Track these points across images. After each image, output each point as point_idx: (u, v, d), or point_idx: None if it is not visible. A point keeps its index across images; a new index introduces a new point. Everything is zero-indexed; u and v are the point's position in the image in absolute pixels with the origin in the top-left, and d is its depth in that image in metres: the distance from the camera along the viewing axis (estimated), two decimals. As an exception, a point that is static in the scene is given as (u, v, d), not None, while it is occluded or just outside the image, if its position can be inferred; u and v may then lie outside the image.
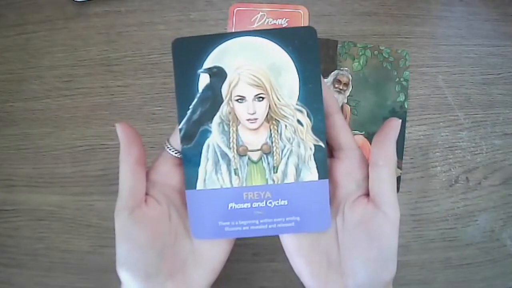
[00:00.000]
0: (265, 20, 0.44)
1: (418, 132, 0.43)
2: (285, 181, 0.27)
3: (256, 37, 0.27)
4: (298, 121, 0.27)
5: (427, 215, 0.42)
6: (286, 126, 0.27)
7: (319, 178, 0.27)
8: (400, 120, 0.28)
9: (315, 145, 0.27)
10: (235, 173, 0.27)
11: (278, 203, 0.27)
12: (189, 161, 0.27)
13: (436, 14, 0.45)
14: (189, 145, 0.27)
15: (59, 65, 0.44)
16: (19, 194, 0.42)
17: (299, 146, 0.27)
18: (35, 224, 0.42)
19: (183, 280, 0.26)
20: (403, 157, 0.42)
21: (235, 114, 0.27)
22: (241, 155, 0.27)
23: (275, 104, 0.27)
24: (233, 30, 0.44)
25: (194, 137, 0.27)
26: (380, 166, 0.26)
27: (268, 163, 0.27)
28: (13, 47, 0.44)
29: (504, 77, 0.44)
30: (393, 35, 0.44)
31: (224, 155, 0.27)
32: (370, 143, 0.42)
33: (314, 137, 0.27)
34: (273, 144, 0.27)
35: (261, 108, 0.27)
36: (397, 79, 0.43)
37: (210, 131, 0.27)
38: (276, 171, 0.27)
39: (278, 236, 0.28)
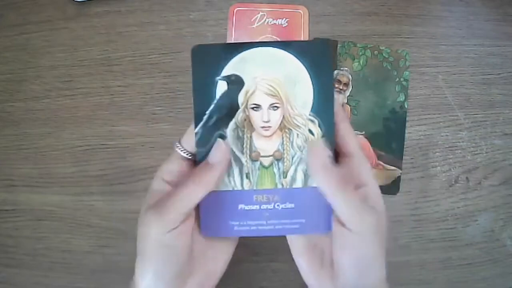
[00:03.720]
0: (265, 20, 0.44)
1: (418, 132, 0.43)
2: (293, 186, 0.29)
3: (274, 48, 0.28)
4: (310, 130, 0.28)
5: (427, 215, 0.42)
6: (298, 135, 0.28)
7: None
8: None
9: None
10: (247, 177, 0.29)
11: (285, 206, 0.29)
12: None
13: (436, 14, 0.45)
14: (204, 149, 0.28)
15: (59, 65, 0.44)
16: (19, 194, 0.42)
17: None
18: (35, 224, 0.42)
19: (201, 273, 0.28)
20: (403, 157, 0.42)
21: (250, 121, 0.28)
22: (253, 160, 0.29)
23: (289, 114, 0.28)
24: (233, 30, 0.44)
25: (209, 141, 0.28)
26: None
27: (279, 169, 0.29)
28: (13, 47, 0.44)
29: (504, 77, 0.44)
30: (393, 35, 0.44)
31: (237, 160, 0.28)
32: (370, 143, 0.42)
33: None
34: (285, 151, 0.29)
35: (275, 117, 0.28)
36: (397, 79, 0.43)
37: (225, 136, 0.28)
38: (286, 177, 0.29)
39: (279, 237, 0.28)
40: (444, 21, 0.45)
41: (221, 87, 0.28)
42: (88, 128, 0.43)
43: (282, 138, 0.29)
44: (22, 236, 0.42)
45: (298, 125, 0.28)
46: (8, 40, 0.45)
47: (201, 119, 0.28)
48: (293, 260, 0.29)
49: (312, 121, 0.28)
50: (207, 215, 0.28)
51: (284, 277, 0.41)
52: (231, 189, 0.28)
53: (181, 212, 0.26)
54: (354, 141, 0.28)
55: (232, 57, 0.28)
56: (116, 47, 0.44)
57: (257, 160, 0.29)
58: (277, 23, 0.44)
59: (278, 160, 0.29)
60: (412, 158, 0.42)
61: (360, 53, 0.43)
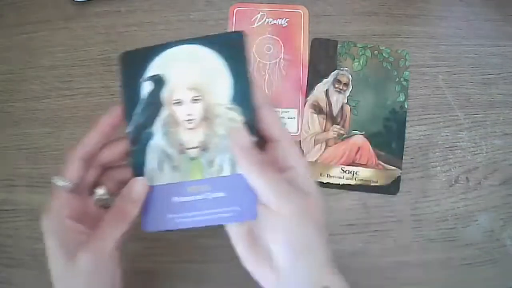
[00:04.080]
0: (265, 20, 0.44)
1: (418, 132, 0.43)
2: (222, 175, 0.29)
3: (192, 45, 0.30)
4: (231, 119, 0.29)
5: (427, 215, 0.42)
6: (220, 124, 0.29)
7: None
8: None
9: None
10: (177, 170, 0.30)
11: (216, 195, 0.29)
12: (136, 161, 0.30)
13: (436, 14, 0.45)
14: (135, 147, 0.30)
15: (59, 65, 0.44)
16: (19, 194, 0.42)
17: None
18: (35, 224, 0.42)
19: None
20: (403, 157, 0.42)
21: (174, 117, 0.30)
22: (180, 153, 0.30)
23: (210, 105, 0.30)
24: (233, 30, 0.44)
25: (139, 139, 0.30)
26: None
27: (206, 159, 0.30)
28: (13, 47, 0.44)
29: (504, 77, 0.44)
30: (393, 35, 0.44)
31: (167, 154, 0.30)
32: (370, 143, 0.42)
33: None
34: (209, 141, 0.30)
35: (197, 109, 0.30)
36: (397, 79, 0.43)
37: (153, 134, 0.30)
38: (213, 166, 0.30)
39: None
40: (444, 21, 0.45)
41: (146, 87, 0.30)
42: (88, 128, 0.43)
43: (206, 129, 0.30)
44: (22, 236, 0.42)
45: (219, 115, 0.29)
46: (8, 40, 0.45)
47: (131, 120, 0.30)
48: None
49: (232, 110, 0.29)
50: (146, 211, 0.29)
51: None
52: (164, 182, 0.30)
53: (112, 247, 0.27)
54: (278, 126, 0.28)
55: (154, 58, 0.30)
56: (116, 47, 0.44)
57: (185, 153, 0.30)
58: (277, 23, 0.44)
59: (204, 150, 0.30)
60: (412, 158, 0.42)
61: (360, 53, 0.43)
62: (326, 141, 0.42)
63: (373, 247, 0.41)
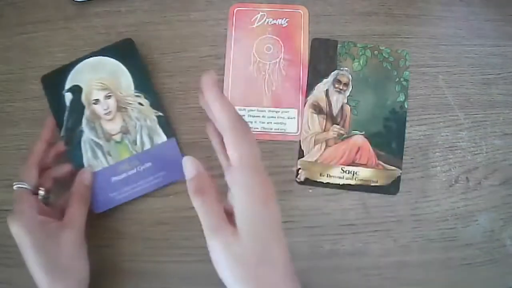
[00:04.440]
0: (265, 20, 0.44)
1: (418, 132, 0.43)
2: (144, 149, 0.38)
3: (95, 57, 0.40)
4: (139, 103, 0.39)
5: (427, 215, 0.42)
6: (132, 109, 0.39)
7: (167, 138, 0.38)
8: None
9: (157, 116, 0.39)
10: (109, 154, 0.38)
11: (145, 166, 0.38)
12: (75, 156, 0.38)
13: (436, 14, 0.45)
14: (71, 146, 0.38)
15: (59, 65, 0.44)
16: (19, 194, 0.42)
17: (146, 121, 0.38)
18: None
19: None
20: (403, 157, 0.42)
21: (95, 113, 0.39)
22: (108, 140, 0.39)
23: (120, 97, 0.39)
24: (233, 30, 0.44)
25: (73, 139, 0.39)
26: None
27: (129, 140, 0.38)
28: (13, 47, 0.44)
29: (504, 77, 0.44)
30: (393, 35, 0.44)
31: (97, 144, 0.39)
32: (370, 143, 0.42)
33: (154, 110, 0.39)
34: (128, 125, 0.39)
35: (111, 103, 0.39)
36: (397, 79, 0.43)
37: (83, 131, 0.39)
38: (136, 144, 0.38)
39: None
40: (444, 21, 0.45)
41: (68, 97, 0.39)
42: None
43: (122, 116, 0.39)
44: (22, 236, 0.42)
45: (129, 103, 0.39)
46: (8, 40, 0.45)
47: (62, 125, 0.39)
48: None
49: (138, 96, 0.39)
50: (92, 195, 0.37)
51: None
52: (101, 168, 0.38)
53: (84, 223, 0.36)
54: (221, 118, 0.25)
55: (69, 73, 0.39)
56: (116, 47, 0.44)
57: (111, 140, 0.38)
58: (277, 23, 0.44)
59: (125, 133, 0.38)
60: (412, 158, 0.42)
61: (360, 53, 0.43)
62: (326, 141, 0.42)
63: (373, 247, 0.41)
